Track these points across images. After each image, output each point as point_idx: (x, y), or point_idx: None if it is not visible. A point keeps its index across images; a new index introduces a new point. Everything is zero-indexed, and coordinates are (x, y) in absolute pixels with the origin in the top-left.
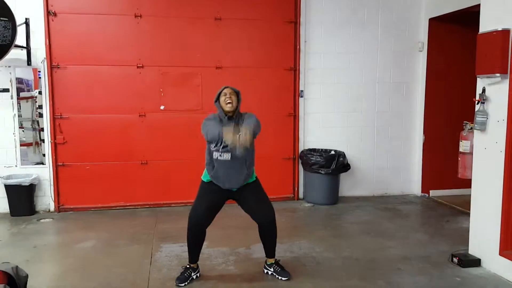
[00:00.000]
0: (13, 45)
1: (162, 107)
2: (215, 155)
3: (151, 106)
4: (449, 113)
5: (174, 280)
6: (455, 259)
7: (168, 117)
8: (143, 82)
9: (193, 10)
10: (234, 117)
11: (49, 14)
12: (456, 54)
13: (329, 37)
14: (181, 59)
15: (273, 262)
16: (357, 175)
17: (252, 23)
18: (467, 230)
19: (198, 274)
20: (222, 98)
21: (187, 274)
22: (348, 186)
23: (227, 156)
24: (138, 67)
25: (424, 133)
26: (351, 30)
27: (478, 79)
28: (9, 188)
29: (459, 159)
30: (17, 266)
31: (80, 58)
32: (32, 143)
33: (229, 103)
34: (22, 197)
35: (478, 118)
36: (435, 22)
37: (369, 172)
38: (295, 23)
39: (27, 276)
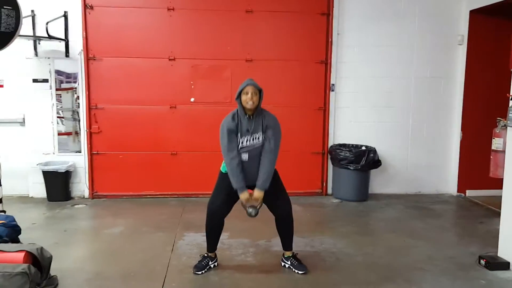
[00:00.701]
0: (17, 34)
1: (192, 99)
2: None
3: (182, 98)
4: (489, 109)
5: (192, 268)
6: (482, 261)
7: (198, 109)
8: (174, 74)
9: (224, 3)
10: (254, 115)
11: (86, 7)
12: (498, 48)
13: (363, 29)
14: (211, 51)
15: (290, 255)
16: (389, 172)
17: (284, 15)
18: None
19: (216, 263)
20: (243, 97)
21: (204, 263)
22: (380, 183)
23: (245, 157)
24: (170, 59)
25: (462, 130)
26: (386, 23)
27: None
28: (46, 174)
29: (491, 157)
30: (42, 247)
31: (115, 50)
32: (72, 132)
33: (250, 103)
34: (58, 183)
35: None
36: (476, 15)
37: (402, 170)
38: (328, 15)
39: (51, 257)
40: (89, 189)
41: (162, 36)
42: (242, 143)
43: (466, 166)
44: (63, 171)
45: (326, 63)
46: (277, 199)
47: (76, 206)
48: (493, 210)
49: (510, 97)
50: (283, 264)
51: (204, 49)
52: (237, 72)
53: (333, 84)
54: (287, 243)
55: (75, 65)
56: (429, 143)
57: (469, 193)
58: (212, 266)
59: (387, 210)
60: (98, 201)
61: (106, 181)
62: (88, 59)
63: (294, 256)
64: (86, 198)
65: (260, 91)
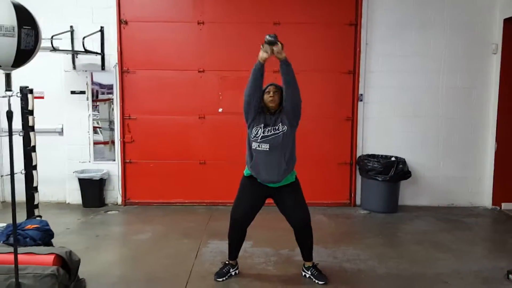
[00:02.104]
0: (36, 50)
1: (220, 110)
2: (254, 145)
3: (210, 108)
4: None
5: (213, 274)
6: (511, 276)
7: (226, 120)
8: (204, 86)
9: (252, 16)
10: (276, 112)
11: (121, 22)
12: None
13: (392, 39)
14: (239, 63)
15: (311, 265)
16: (420, 183)
17: (311, 26)
18: None
19: (237, 271)
20: (265, 96)
21: (225, 270)
22: (410, 195)
23: (265, 147)
24: (199, 71)
25: (496, 140)
26: (415, 32)
27: None
28: (82, 182)
29: None
30: (70, 251)
31: (147, 63)
32: (108, 141)
33: (271, 101)
34: (93, 190)
35: None
36: (510, 23)
37: (434, 181)
38: (356, 25)
39: (79, 260)
40: (122, 196)
41: (192, 48)
42: (264, 132)
43: (502, 177)
44: (98, 178)
45: (354, 73)
46: (296, 210)
47: (109, 212)
48: None
49: None
50: (303, 274)
51: (232, 61)
52: (264, 83)
53: (361, 94)
54: (307, 254)
55: (111, 77)
56: (461, 154)
57: (504, 206)
58: (233, 273)
59: (416, 222)
60: (130, 208)
61: (138, 188)
62: (122, 72)
63: (314, 266)
64: (119, 205)
65: (281, 90)
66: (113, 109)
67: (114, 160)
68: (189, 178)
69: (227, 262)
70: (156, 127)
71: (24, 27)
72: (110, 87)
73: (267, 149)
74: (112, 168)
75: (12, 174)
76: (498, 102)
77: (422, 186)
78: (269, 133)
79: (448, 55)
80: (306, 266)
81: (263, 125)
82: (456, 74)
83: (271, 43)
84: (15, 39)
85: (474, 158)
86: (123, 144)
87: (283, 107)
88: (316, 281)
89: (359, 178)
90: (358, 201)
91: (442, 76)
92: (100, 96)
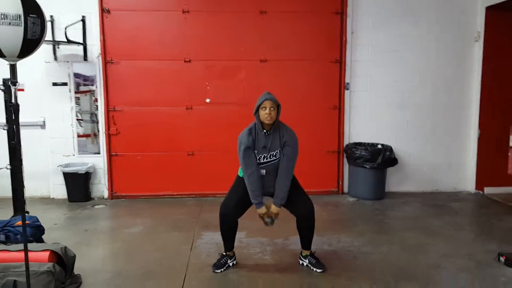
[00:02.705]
0: (43, 40)
1: (207, 100)
2: None
3: (197, 99)
4: (506, 106)
5: (211, 266)
6: (502, 258)
7: (214, 110)
8: (190, 76)
9: (238, 5)
10: (272, 130)
11: (103, 11)
12: None
13: (377, 28)
14: (226, 53)
15: (308, 254)
16: (406, 170)
17: (297, 15)
18: None
19: (234, 262)
20: (261, 113)
21: (223, 261)
22: (396, 182)
23: (262, 172)
24: (185, 61)
25: (479, 127)
26: (400, 20)
27: None
28: (67, 176)
29: (509, 154)
30: (65, 247)
31: (132, 53)
32: (90, 134)
33: (268, 118)
34: (79, 184)
35: None
36: (492, 11)
37: (419, 168)
38: (342, 13)
39: (74, 256)
40: (108, 189)
41: (177, 38)
42: (259, 159)
43: (484, 163)
44: (83, 172)
45: (340, 62)
46: (300, 201)
47: (96, 206)
48: None
49: None
50: (301, 262)
51: (219, 50)
52: (252, 72)
53: (348, 83)
54: (306, 243)
55: (93, 68)
56: (446, 141)
57: (487, 190)
58: (230, 264)
59: (404, 209)
60: (117, 201)
61: (124, 181)
62: (106, 63)
63: (312, 255)
64: (105, 199)
65: (278, 106)
66: (95, 101)
67: (98, 153)
68: (177, 170)
69: (224, 254)
70: (142, 119)
71: (30, 15)
72: (92, 78)
73: (264, 174)
74: (97, 162)
75: (20, 168)
76: (481, 89)
77: (408, 172)
78: (265, 160)
79: (432, 43)
80: (303, 254)
81: (257, 151)
82: (439, 62)
83: (267, 225)
84: (21, 28)
85: (458, 144)
86: (108, 136)
87: (283, 132)
88: (314, 269)
89: (346, 166)
90: (345, 189)
91: (427, 64)
92: (81, 88)
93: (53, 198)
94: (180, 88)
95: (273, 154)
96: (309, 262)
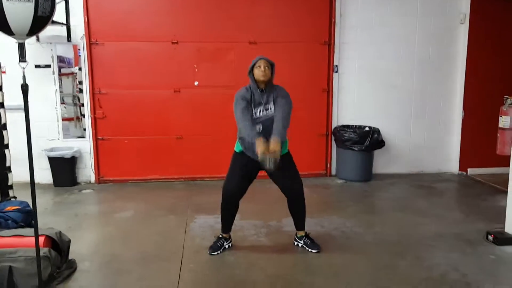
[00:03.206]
0: (52, 17)
1: (196, 83)
2: None
3: (186, 82)
4: (491, 88)
5: (207, 249)
6: (490, 237)
7: (202, 93)
8: (178, 58)
9: None
10: (267, 89)
11: None
12: (500, 26)
13: (365, 10)
14: (215, 34)
15: (303, 234)
16: (392, 152)
17: None
18: (505, 209)
19: (230, 244)
20: (256, 71)
21: (219, 244)
22: (383, 163)
23: (258, 128)
24: (172, 43)
25: (463, 109)
26: (388, 3)
27: None
28: (52, 160)
29: (498, 135)
30: (60, 232)
31: (117, 34)
32: (73, 118)
33: (263, 75)
34: (65, 169)
35: None
36: None
37: (405, 149)
38: None
39: (69, 241)
40: (95, 174)
41: (164, 19)
42: (255, 114)
43: (468, 145)
44: (69, 156)
45: (329, 44)
46: (289, 180)
47: (83, 191)
48: (495, 187)
49: None
50: (296, 243)
51: (207, 31)
52: (241, 54)
53: (336, 66)
54: (299, 223)
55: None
56: (431, 123)
57: (470, 171)
58: (227, 246)
59: (391, 190)
60: (104, 186)
61: (111, 166)
62: (90, 44)
63: (307, 236)
64: (92, 183)
65: (272, 65)
66: (78, 84)
67: (83, 137)
68: (165, 154)
69: (220, 236)
70: (129, 102)
71: None
72: (69, 60)
73: (260, 130)
74: (83, 146)
75: (30, 153)
76: (466, 71)
77: (394, 154)
78: (261, 115)
79: (419, 25)
80: (298, 236)
81: (253, 105)
82: (427, 44)
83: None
84: (32, 5)
85: (443, 126)
86: (94, 120)
87: (277, 90)
88: (309, 249)
89: (334, 148)
90: (333, 171)
91: (413, 46)
92: (63, 70)
93: (38, 183)
94: (168, 70)
95: (269, 107)
96: (304, 243)
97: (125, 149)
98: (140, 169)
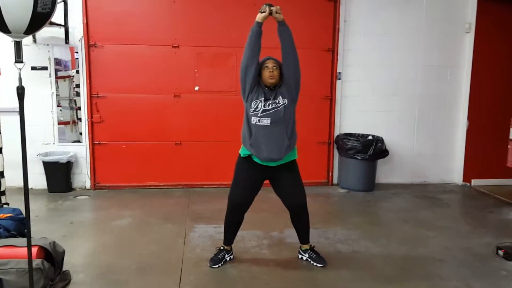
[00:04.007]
0: (53, 13)
1: (196, 88)
2: (254, 120)
3: (186, 86)
4: (496, 98)
5: (207, 260)
6: (500, 252)
7: (203, 98)
8: (178, 62)
9: None
10: (276, 87)
11: None
12: (506, 36)
13: (370, 16)
14: (216, 39)
15: (308, 248)
16: (395, 161)
17: (289, 2)
18: None
19: (231, 256)
20: (264, 72)
21: (220, 256)
22: (385, 173)
23: (266, 121)
24: (173, 47)
25: (468, 119)
26: (393, 10)
27: None
28: (47, 165)
29: (509, 147)
30: (54, 242)
31: (117, 37)
32: (69, 121)
33: (271, 77)
34: (60, 174)
35: None
36: (484, 2)
37: (408, 159)
38: (335, 1)
39: (64, 251)
40: (91, 180)
41: (165, 22)
42: (264, 106)
43: (472, 155)
44: (65, 161)
45: (333, 51)
46: (292, 190)
47: (78, 197)
48: (500, 199)
49: None
50: (300, 256)
51: (209, 36)
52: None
53: (339, 73)
54: (304, 237)
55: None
56: (435, 132)
57: (474, 182)
58: (228, 259)
59: (395, 200)
60: (100, 192)
61: (108, 171)
62: (89, 46)
63: (312, 249)
64: (88, 189)
65: (281, 66)
66: (75, 87)
67: (78, 141)
68: (164, 160)
69: (222, 248)
70: (128, 106)
71: None
72: (66, 63)
73: (268, 124)
74: (79, 150)
75: (24, 159)
76: (471, 81)
77: (397, 164)
78: (270, 107)
79: (424, 34)
80: (303, 249)
81: (263, 98)
82: (431, 53)
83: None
84: (31, 0)
85: (447, 136)
86: (91, 124)
87: (282, 81)
88: (315, 264)
89: (336, 157)
90: (335, 180)
91: (418, 54)
92: (60, 73)
93: (31, 188)
94: (168, 74)
95: (278, 100)
96: (309, 257)
97: (122, 155)
98: (137, 175)
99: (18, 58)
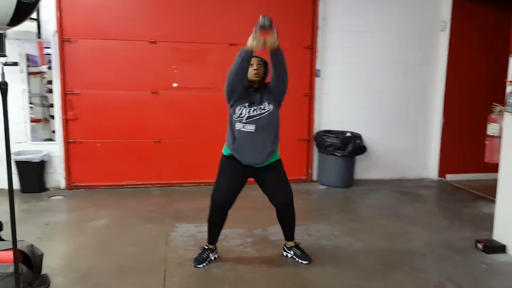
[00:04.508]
0: (38, 3)
1: (175, 85)
2: (238, 126)
3: (164, 83)
4: (470, 96)
5: (191, 260)
6: (479, 245)
7: (182, 95)
8: (156, 58)
9: None
10: (259, 88)
11: None
12: (481, 34)
13: (348, 14)
14: (195, 34)
15: (293, 245)
16: (372, 158)
17: None
18: (488, 216)
19: (216, 256)
20: (249, 69)
21: (205, 255)
22: (363, 169)
23: (251, 128)
24: (150, 42)
25: (443, 115)
26: (370, 7)
27: (510, 59)
28: (19, 164)
29: (486, 142)
30: (32, 245)
31: (92, 32)
32: (41, 119)
33: (256, 75)
34: (33, 174)
35: (511, 100)
36: (459, 1)
37: (385, 155)
38: None
39: (42, 254)
40: (65, 179)
41: (142, 17)
42: (249, 112)
43: (447, 151)
44: (38, 160)
45: (312, 48)
46: (279, 188)
47: (52, 197)
48: (475, 193)
49: (508, 83)
50: (285, 254)
51: (187, 31)
52: (222, 56)
53: (318, 70)
54: (289, 234)
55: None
56: (411, 129)
57: (449, 177)
58: (212, 258)
59: (374, 196)
60: (75, 192)
61: (83, 171)
62: (62, 41)
63: (297, 246)
64: (62, 189)
65: (265, 63)
66: (46, 83)
67: (51, 140)
68: (142, 158)
69: (206, 247)
70: (104, 103)
71: None
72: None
73: (253, 130)
74: (52, 149)
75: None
76: (446, 78)
77: (374, 160)
78: (255, 113)
79: (401, 31)
80: (288, 246)
81: (247, 104)
82: (408, 50)
83: (264, 27)
84: None
85: (423, 132)
86: (66, 122)
87: (268, 84)
88: (300, 261)
89: (315, 154)
90: (314, 177)
91: (395, 52)
92: (31, 69)
93: (2, 188)
94: (145, 71)
95: (263, 106)
96: (294, 254)
97: (98, 153)
98: (114, 174)
99: (1, 52)
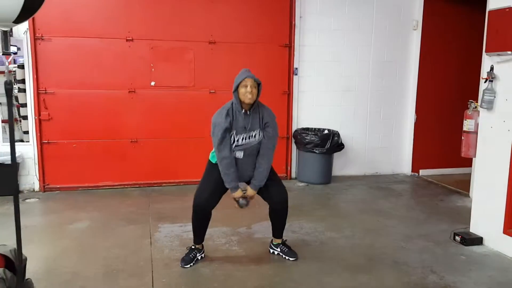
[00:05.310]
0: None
1: (152, 83)
2: None
3: (141, 82)
4: (442, 93)
5: (178, 261)
6: (457, 238)
7: (159, 94)
8: (133, 56)
9: None
10: (252, 111)
11: None
12: (452, 33)
13: (324, 13)
14: (173, 32)
15: (280, 242)
16: (349, 154)
17: None
18: (462, 209)
19: (203, 255)
20: (242, 90)
21: (192, 255)
22: (340, 166)
23: (239, 155)
24: (127, 40)
25: (416, 112)
26: (346, 7)
27: (486, 56)
28: None
29: (462, 138)
30: (15, 249)
31: (66, 29)
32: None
33: (250, 99)
34: (5, 176)
35: (486, 97)
36: (430, 1)
37: (361, 152)
38: None
39: (26, 259)
40: (39, 181)
41: (118, 14)
42: (237, 141)
43: (419, 147)
44: (10, 162)
45: (290, 47)
46: (275, 188)
47: (27, 200)
48: (448, 188)
49: (484, 80)
50: (272, 251)
51: (165, 29)
52: (201, 54)
53: (296, 68)
54: (279, 231)
55: (20, 45)
56: (385, 126)
57: (421, 172)
58: (199, 258)
59: (352, 192)
60: (51, 194)
61: (58, 172)
62: (35, 39)
63: (284, 243)
64: (36, 192)
65: (259, 85)
66: (16, 82)
67: (21, 141)
68: (119, 159)
69: (192, 247)
70: (79, 103)
71: None
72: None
73: (241, 157)
74: (25, 150)
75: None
76: (418, 76)
77: (351, 157)
78: (243, 142)
79: (375, 30)
80: (275, 243)
81: (235, 131)
82: (382, 49)
83: (241, 208)
84: None
85: (396, 129)
86: (39, 122)
87: (263, 112)
88: (287, 257)
89: (294, 151)
90: (293, 174)
91: (369, 51)
92: None
93: None
94: (122, 69)
95: (253, 134)
96: (281, 251)
97: (73, 154)
98: (90, 175)
99: (6, 50)
